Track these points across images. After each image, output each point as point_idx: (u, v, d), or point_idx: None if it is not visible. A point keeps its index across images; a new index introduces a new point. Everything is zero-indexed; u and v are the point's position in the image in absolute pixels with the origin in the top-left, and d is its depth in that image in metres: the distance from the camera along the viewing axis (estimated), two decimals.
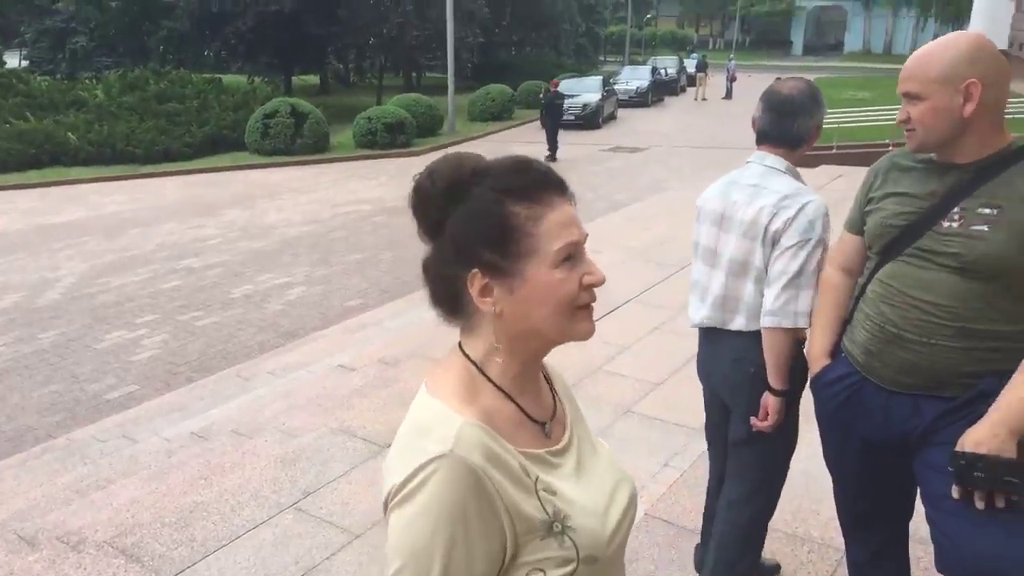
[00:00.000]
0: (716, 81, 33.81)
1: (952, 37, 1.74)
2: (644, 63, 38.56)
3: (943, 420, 1.76)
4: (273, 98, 20.37)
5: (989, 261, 1.66)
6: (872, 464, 1.99)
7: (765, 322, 2.18)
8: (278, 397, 4.87)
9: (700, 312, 2.42)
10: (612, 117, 24.91)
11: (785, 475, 2.48)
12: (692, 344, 2.77)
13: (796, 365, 2.22)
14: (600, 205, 12.18)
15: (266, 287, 8.25)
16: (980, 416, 1.67)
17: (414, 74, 35.53)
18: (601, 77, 26.21)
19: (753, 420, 2.29)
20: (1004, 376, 1.67)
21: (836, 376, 1.98)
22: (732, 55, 40.67)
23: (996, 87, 1.69)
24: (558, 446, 1.08)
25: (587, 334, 1.04)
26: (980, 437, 1.61)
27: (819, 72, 42.89)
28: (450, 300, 1.05)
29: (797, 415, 2.35)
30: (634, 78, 30.42)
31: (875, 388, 1.88)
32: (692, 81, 35.23)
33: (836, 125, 15.98)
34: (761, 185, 2.23)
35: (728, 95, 32.09)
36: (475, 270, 1.00)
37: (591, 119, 22.87)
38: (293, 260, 9.39)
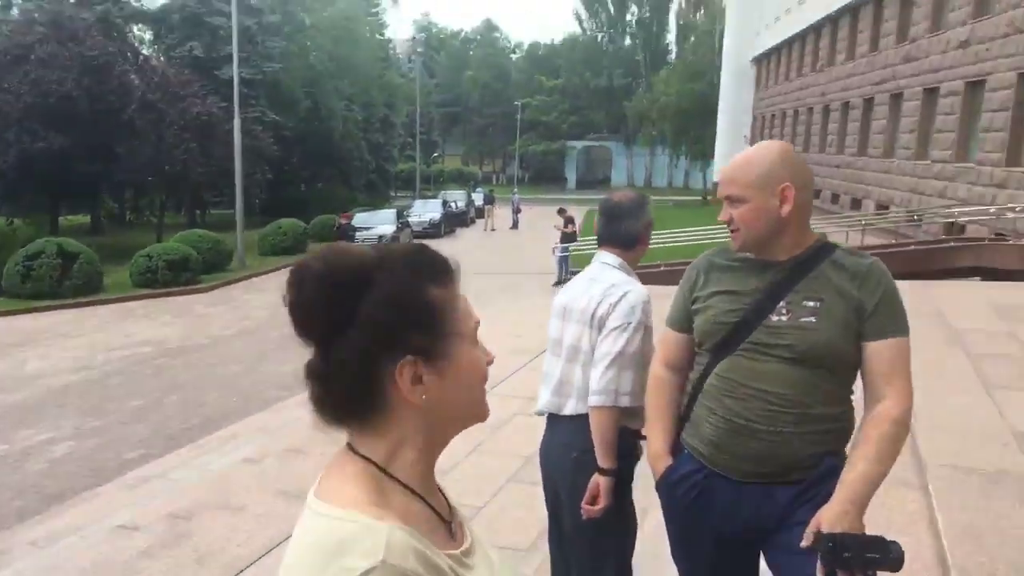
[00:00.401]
0: (503, 213, 35.71)
1: (765, 146, 1.89)
2: (434, 197, 40.03)
3: (796, 503, 1.80)
4: (36, 239, 18.62)
5: (819, 349, 1.76)
6: (722, 557, 1.99)
7: (591, 401, 2.30)
8: (41, 572, 4.10)
9: (543, 399, 2.54)
10: None
11: (629, 564, 2.45)
12: (512, 462, 2.71)
13: (624, 447, 2.29)
14: None
15: (25, 445, 7.18)
16: (828, 495, 1.72)
17: (198, 211, 34.27)
18: (395, 210, 26.78)
19: (584, 506, 2.31)
20: (838, 455, 1.77)
21: (683, 474, 1.97)
22: (516, 189, 43.34)
23: (805, 189, 1.85)
24: (465, 546, 1.02)
25: (488, 414, 1.04)
26: (833, 517, 1.67)
27: (589, 204, 46.63)
28: (359, 399, 0.95)
29: (631, 500, 2.41)
30: (426, 211, 31.41)
31: (725, 481, 1.88)
32: (481, 213, 36.96)
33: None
34: (595, 278, 2.45)
35: (515, 225, 33.93)
36: (408, 358, 0.94)
37: None
38: (59, 412, 8.31)
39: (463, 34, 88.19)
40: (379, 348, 0.93)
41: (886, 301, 1.77)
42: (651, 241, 2.54)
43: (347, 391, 0.94)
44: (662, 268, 15.49)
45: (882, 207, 23.63)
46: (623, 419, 2.32)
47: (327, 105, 37.15)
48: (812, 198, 1.94)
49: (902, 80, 23.52)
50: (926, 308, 6.46)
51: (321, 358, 0.94)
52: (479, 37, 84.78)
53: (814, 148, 32.56)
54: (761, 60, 43.60)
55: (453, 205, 35.58)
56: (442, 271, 1.00)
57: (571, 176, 75.90)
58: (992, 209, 16.10)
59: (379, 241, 22.85)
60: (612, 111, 70.87)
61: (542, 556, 3.62)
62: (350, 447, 0.99)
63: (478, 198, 39.93)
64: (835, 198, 29.00)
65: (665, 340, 2.12)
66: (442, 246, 1.00)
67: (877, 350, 1.76)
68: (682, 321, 2.05)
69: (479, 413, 1.03)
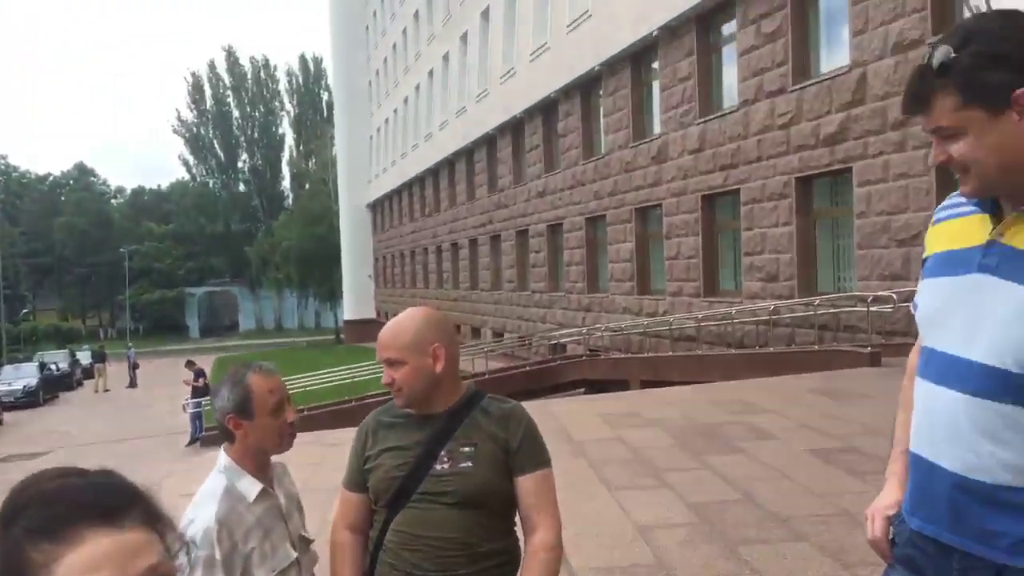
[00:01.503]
0: (117, 371, 32.26)
1: (411, 312, 2.14)
2: (27, 360, 34.79)
3: None
4: None
5: (477, 491, 1.99)
6: None
7: None
8: None
9: None
10: None
11: None
12: None
13: None
14: None
15: None
16: None
17: None
18: None
19: None
20: None
21: None
22: (131, 344, 39.61)
23: (452, 345, 2.13)
24: None
25: None
26: None
27: (218, 352, 44.45)
28: None
29: None
30: (18, 377, 27.19)
31: None
32: (89, 373, 32.97)
33: None
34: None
35: (132, 383, 30.86)
36: None
37: None
38: None
39: (51, 178, 79.91)
40: None
41: (528, 438, 2.07)
42: (276, 405, 2.00)
43: None
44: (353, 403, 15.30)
45: (497, 334, 26.28)
46: None
47: None
48: (459, 352, 2.19)
49: (498, 224, 26.91)
50: (551, 424, 7.37)
51: None
52: (71, 181, 77.72)
53: (433, 284, 35.26)
54: (375, 206, 46.51)
55: (53, 367, 31.26)
56: (63, 524, 0.77)
57: (193, 324, 71.59)
58: (584, 330, 18.91)
59: None
60: (233, 256, 69.15)
61: None
62: None
63: (84, 357, 35.62)
64: (457, 328, 31.49)
65: (344, 502, 2.18)
66: (42, 416, 0.86)
67: (525, 484, 2.03)
68: (358, 482, 2.13)
69: None
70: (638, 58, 18.27)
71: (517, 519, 2.09)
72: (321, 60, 73.32)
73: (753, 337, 13.76)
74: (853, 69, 11.83)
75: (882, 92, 11.37)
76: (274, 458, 2.13)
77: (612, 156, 19.14)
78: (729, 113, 14.81)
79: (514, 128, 25.40)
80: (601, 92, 19.84)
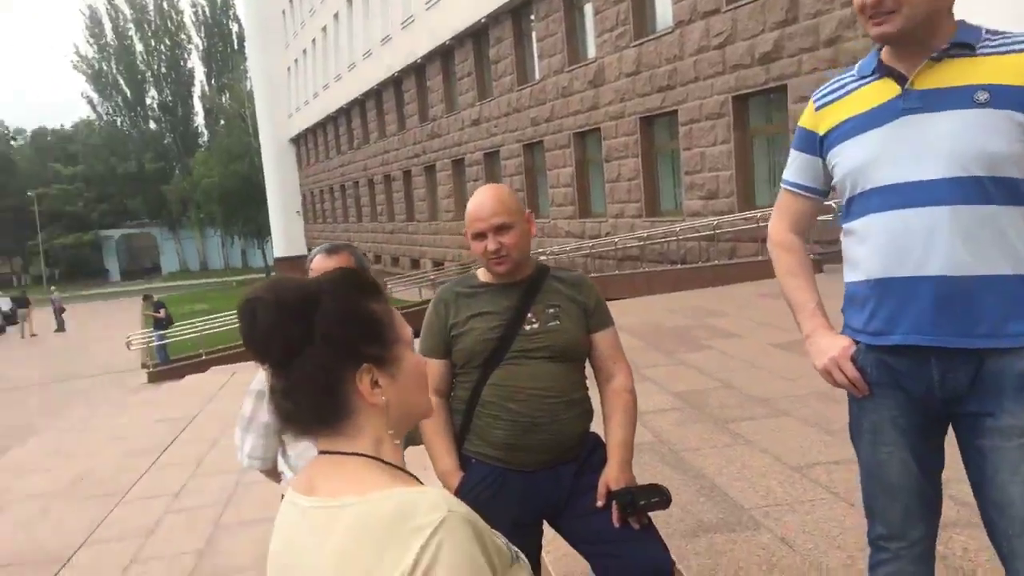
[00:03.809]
0: (41, 316, 31.08)
1: (495, 186, 2.31)
2: None
3: (578, 475, 2.22)
4: None
5: (567, 345, 2.22)
6: (515, 540, 2.26)
7: None
8: None
9: None
10: None
11: None
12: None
13: None
14: None
15: None
16: (599, 461, 2.21)
17: None
18: None
19: None
20: (589, 430, 2.27)
21: (478, 478, 2.24)
22: (54, 288, 38.13)
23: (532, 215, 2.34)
24: None
25: (432, 411, 1.20)
26: (615, 477, 2.15)
27: (141, 294, 43.12)
28: (326, 408, 1.04)
29: None
30: None
31: (518, 475, 2.21)
32: (11, 319, 31.72)
33: (198, 334, 16.47)
34: None
35: (60, 328, 29.85)
36: (364, 366, 1.04)
37: None
38: None
39: None
40: (338, 360, 1.03)
41: (599, 300, 2.33)
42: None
43: (314, 402, 1.04)
44: (203, 356, 15.14)
45: (438, 263, 26.34)
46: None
47: None
48: None
49: (432, 154, 26.67)
50: None
51: (283, 378, 1.03)
52: None
53: (366, 218, 34.83)
54: (299, 140, 45.22)
55: None
56: (376, 289, 1.12)
57: (113, 267, 69.10)
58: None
59: None
60: (149, 196, 66.43)
61: None
62: (327, 452, 1.07)
63: (4, 303, 34.16)
64: (395, 260, 31.35)
65: (430, 370, 2.31)
66: None
67: (602, 339, 2.29)
68: (442, 349, 2.31)
69: (426, 409, 1.16)
70: None
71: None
72: None
73: (696, 253, 14.28)
74: None
75: (814, 10, 11.72)
76: None
77: (547, 81, 19.14)
78: (664, 35, 14.97)
79: (443, 56, 24.99)
80: (533, 16, 19.68)
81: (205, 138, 71.02)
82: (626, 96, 16.20)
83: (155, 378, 14.64)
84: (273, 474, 2.40)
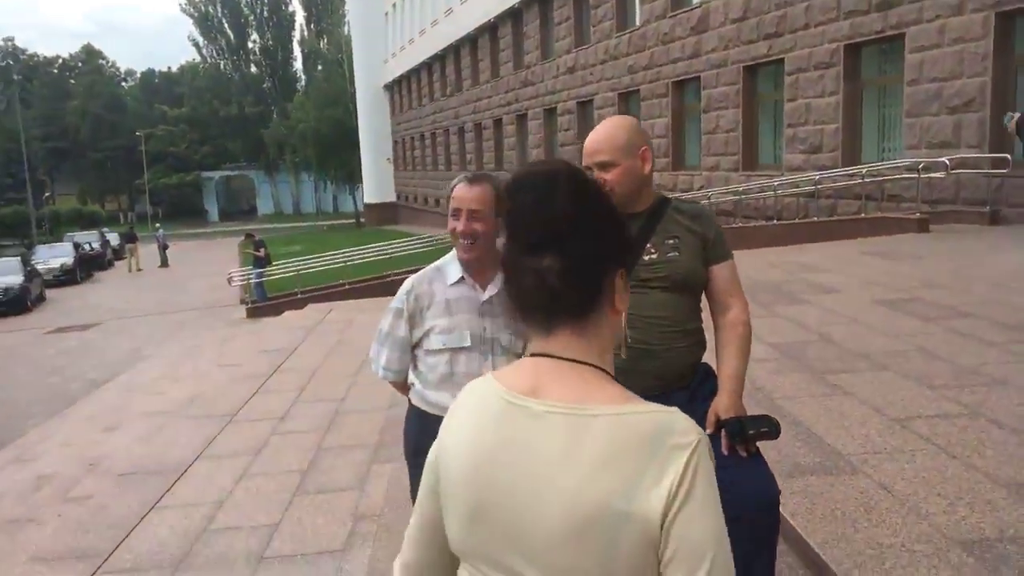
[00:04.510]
0: (148, 251, 32.82)
1: (620, 119, 2.33)
2: (51, 241, 35.36)
3: (690, 402, 2.23)
4: None
5: (686, 275, 2.25)
6: None
7: None
8: None
9: None
10: (41, 299, 22.23)
11: None
12: (291, 478, 2.82)
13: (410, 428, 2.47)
14: (76, 385, 10.79)
15: None
16: (711, 390, 2.23)
17: None
18: (18, 257, 23.25)
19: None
20: (701, 360, 2.29)
21: None
22: (159, 225, 40.09)
23: (652, 152, 2.33)
24: None
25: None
26: (726, 406, 2.17)
27: (239, 235, 44.66)
28: (587, 299, 1.03)
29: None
30: (54, 256, 27.72)
31: None
32: (119, 254, 33.58)
33: (295, 273, 17.09)
34: None
35: (164, 263, 31.42)
36: (622, 269, 1.06)
37: (16, 303, 20.18)
38: None
39: (60, 61, 78.52)
40: (607, 255, 1.03)
41: (719, 232, 2.34)
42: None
43: (583, 287, 1.02)
44: (299, 295, 15.59)
45: None
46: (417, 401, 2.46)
47: None
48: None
49: (524, 102, 26.52)
50: None
51: (562, 257, 1.00)
52: (80, 64, 76.33)
53: (456, 166, 35.07)
54: (393, 87, 45.63)
55: (88, 247, 31.80)
56: None
57: (212, 208, 71.88)
58: None
59: (5, 294, 19.85)
60: (248, 139, 68.49)
61: (358, 554, 3.78)
62: (555, 357, 1.03)
63: (113, 238, 36.20)
64: None
65: None
66: (83, 292, 1.01)
67: (720, 271, 2.30)
68: None
69: (620, 340, 1.14)
70: None
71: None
72: None
73: (793, 210, 13.86)
74: None
75: None
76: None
77: (648, 27, 18.65)
78: None
79: (542, 1, 24.63)
80: None
81: (303, 83, 72.42)
82: (730, 44, 15.66)
83: (253, 314, 15.30)
84: (402, 386, 2.53)
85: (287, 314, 13.06)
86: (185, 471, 5.39)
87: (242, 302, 17.38)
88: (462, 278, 2.34)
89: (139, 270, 30.40)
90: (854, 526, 2.74)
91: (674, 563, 0.91)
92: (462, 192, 2.29)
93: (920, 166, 10.57)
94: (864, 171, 11.83)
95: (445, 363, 2.34)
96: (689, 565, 0.91)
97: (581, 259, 1.00)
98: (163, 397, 8.24)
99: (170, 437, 6.20)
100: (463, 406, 1.09)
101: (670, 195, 2.48)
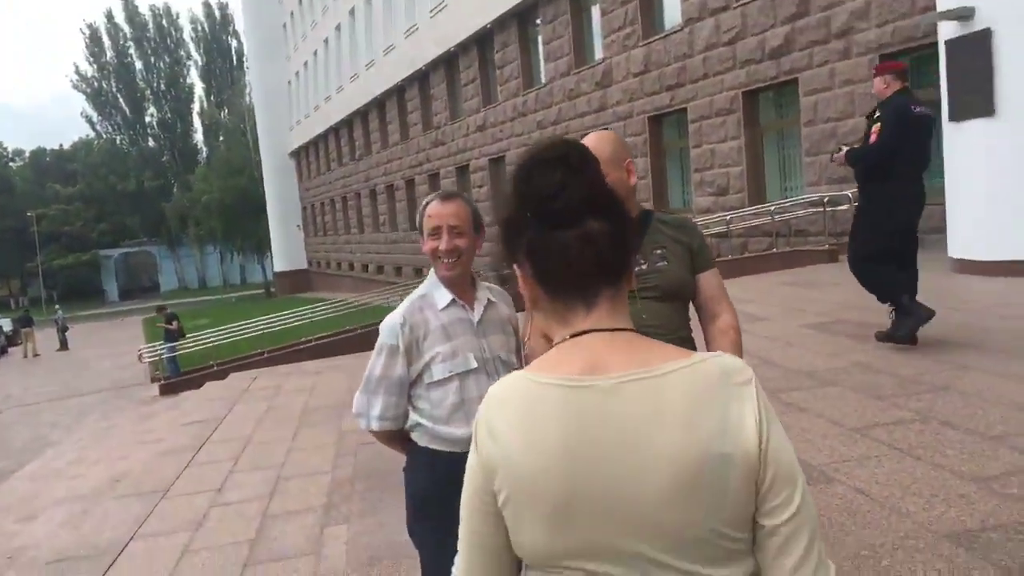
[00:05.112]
0: (43, 336, 31.06)
1: (603, 133, 2.37)
2: None
3: None
4: None
5: (676, 284, 2.28)
6: None
7: None
8: None
9: None
10: None
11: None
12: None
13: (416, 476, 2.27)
14: None
15: None
16: None
17: None
18: None
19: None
20: None
21: None
22: (58, 307, 38.13)
23: (633, 164, 2.38)
24: None
25: None
26: None
27: (141, 313, 43.01)
28: (627, 265, 1.09)
29: (431, 527, 2.13)
30: None
31: None
32: (12, 340, 31.71)
33: (212, 345, 16.51)
34: None
35: (64, 346, 29.82)
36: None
37: None
38: None
39: None
40: (633, 227, 1.11)
41: (703, 241, 2.40)
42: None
43: (625, 250, 1.08)
44: (214, 368, 14.95)
45: None
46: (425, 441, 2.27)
47: None
48: None
49: (436, 161, 26.76)
50: None
51: (610, 223, 1.05)
52: None
53: (368, 228, 34.88)
54: (299, 153, 45.31)
55: None
56: None
57: (111, 288, 68.99)
58: None
59: None
60: (148, 214, 66.41)
61: None
62: (599, 331, 1.06)
63: (6, 324, 34.14)
64: (398, 270, 31.37)
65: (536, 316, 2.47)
66: None
67: (707, 279, 2.34)
68: None
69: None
70: None
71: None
72: (227, 5, 70.36)
73: None
74: None
75: (825, 2, 11.81)
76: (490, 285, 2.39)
77: (554, 84, 19.24)
78: (673, 33, 15.07)
79: (448, 63, 25.12)
80: (539, 20, 19.81)
81: (204, 154, 71.07)
82: (634, 96, 16.29)
83: (167, 390, 14.63)
84: (396, 440, 2.33)
85: (208, 385, 12.51)
86: (121, 551, 5.00)
87: (154, 379, 16.59)
88: (453, 300, 2.28)
89: (36, 355, 28.72)
90: (843, 530, 2.77)
91: (775, 487, 0.98)
92: (438, 209, 2.25)
93: (825, 200, 11.15)
94: (772, 208, 12.38)
95: (454, 391, 2.22)
96: (788, 485, 0.99)
97: (621, 221, 1.06)
98: (82, 480, 7.71)
99: (98, 520, 5.77)
100: (507, 407, 1.04)
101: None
